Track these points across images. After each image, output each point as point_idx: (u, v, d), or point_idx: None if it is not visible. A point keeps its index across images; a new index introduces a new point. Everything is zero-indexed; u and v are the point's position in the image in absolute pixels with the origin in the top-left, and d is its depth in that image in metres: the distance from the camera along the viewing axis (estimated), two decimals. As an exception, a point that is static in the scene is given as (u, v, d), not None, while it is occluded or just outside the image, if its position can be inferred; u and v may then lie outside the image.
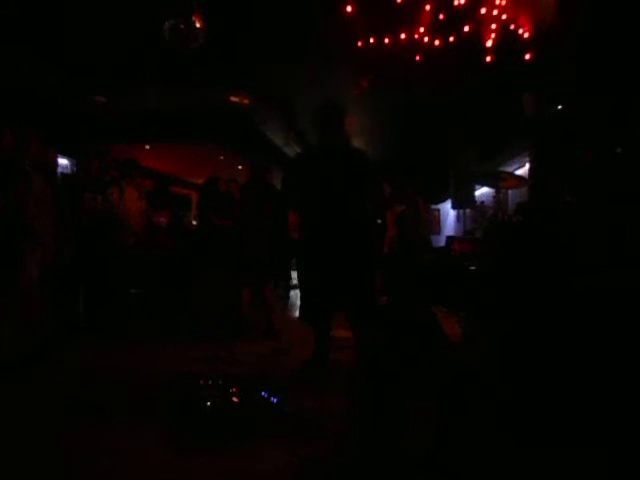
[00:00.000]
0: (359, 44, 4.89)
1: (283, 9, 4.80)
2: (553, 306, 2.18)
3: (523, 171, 6.42)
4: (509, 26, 4.58)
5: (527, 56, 4.57)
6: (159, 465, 1.90)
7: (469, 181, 7.15)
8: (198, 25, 4.41)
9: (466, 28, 4.66)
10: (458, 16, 4.58)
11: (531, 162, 4.80)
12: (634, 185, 2.33)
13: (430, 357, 2.93)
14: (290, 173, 3.44)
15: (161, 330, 4.49)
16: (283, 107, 7.89)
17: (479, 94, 6.03)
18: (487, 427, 2.02)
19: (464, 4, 4.46)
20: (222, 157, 9.41)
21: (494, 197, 4.86)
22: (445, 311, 3.61)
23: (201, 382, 2.51)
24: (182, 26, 4.37)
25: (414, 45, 4.83)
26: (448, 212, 9.62)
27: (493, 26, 4.65)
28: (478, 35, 4.69)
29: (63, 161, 6.91)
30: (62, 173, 6.02)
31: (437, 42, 4.81)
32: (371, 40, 4.86)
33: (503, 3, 4.49)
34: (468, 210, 7.52)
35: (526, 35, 4.56)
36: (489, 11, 4.55)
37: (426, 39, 4.78)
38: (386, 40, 4.85)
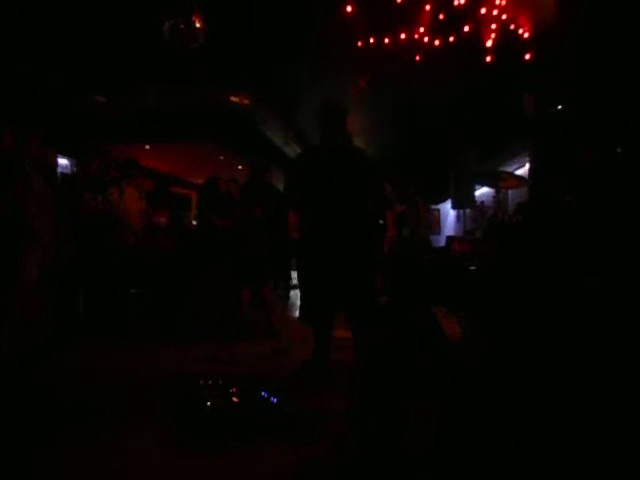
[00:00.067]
0: (359, 44, 4.89)
1: (283, 9, 4.80)
2: (553, 306, 2.18)
3: (523, 171, 6.42)
4: (509, 26, 4.59)
5: (527, 56, 4.57)
6: (159, 465, 1.90)
7: (469, 181, 7.15)
8: (198, 25, 4.41)
9: (466, 28, 4.67)
10: (458, 16, 4.59)
11: (531, 162, 4.81)
12: (634, 185, 2.33)
13: (430, 357, 2.93)
14: (291, 172, 3.43)
15: (161, 330, 4.49)
16: (283, 107, 7.89)
17: (479, 94, 6.03)
18: (487, 427, 2.02)
19: (464, 4, 4.46)
20: (222, 157, 9.41)
21: (494, 197, 4.86)
22: (445, 311, 3.60)
23: (201, 382, 2.51)
24: (182, 26, 4.37)
25: (414, 45, 4.84)
26: (448, 212, 9.62)
27: (493, 26, 4.65)
28: (478, 35, 4.70)
29: (63, 161, 6.91)
30: (62, 173, 6.03)
31: (437, 42, 4.82)
32: (371, 40, 4.86)
33: (503, 3, 4.50)
34: (468, 210, 7.52)
35: (526, 35, 4.56)
36: (489, 11, 4.56)
37: (426, 39, 4.79)
38: (386, 40, 4.86)
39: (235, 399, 2.33)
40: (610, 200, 2.33)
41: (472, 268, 3.64)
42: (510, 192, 5.74)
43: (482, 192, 7.43)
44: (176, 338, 4.22)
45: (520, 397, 2.07)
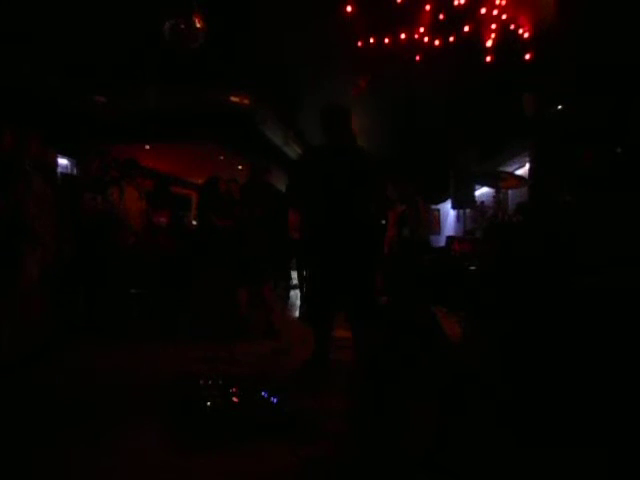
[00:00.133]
0: (359, 44, 4.89)
1: (283, 9, 4.80)
2: (553, 306, 2.18)
3: (523, 171, 6.41)
4: (509, 26, 4.59)
5: (527, 56, 4.57)
6: (159, 465, 1.90)
7: (469, 181, 7.15)
8: (198, 25, 4.41)
9: (466, 28, 4.67)
10: (458, 16, 4.59)
11: (531, 162, 4.80)
12: (634, 185, 2.33)
13: (430, 357, 2.93)
14: (293, 172, 3.43)
15: (161, 330, 4.49)
16: (283, 107, 7.90)
17: (479, 94, 6.04)
18: (487, 427, 2.02)
19: (464, 4, 4.46)
20: (222, 157, 9.41)
21: (494, 197, 4.86)
22: (445, 311, 3.61)
23: (201, 382, 2.51)
24: (182, 26, 4.37)
25: (414, 45, 4.84)
26: (448, 212, 9.61)
27: (493, 26, 4.65)
28: (478, 35, 4.70)
29: (63, 161, 6.92)
30: (62, 173, 6.03)
31: (437, 42, 4.82)
32: (371, 40, 4.86)
33: (503, 3, 4.50)
34: (468, 210, 7.52)
35: (526, 35, 4.56)
36: (489, 11, 4.56)
37: (426, 39, 4.79)
38: (386, 40, 4.86)
39: (235, 399, 2.33)
40: (610, 200, 2.33)
41: (472, 268, 3.64)
42: (510, 192, 5.73)
43: (482, 192, 7.43)
44: (176, 338, 4.22)
45: (520, 397, 2.07)
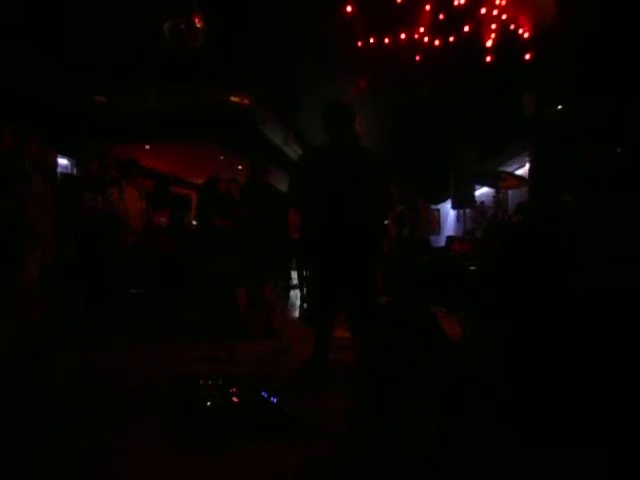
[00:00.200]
0: (359, 44, 4.89)
1: (283, 9, 4.80)
2: (553, 306, 2.18)
3: (523, 171, 6.41)
4: (509, 26, 4.59)
5: (527, 56, 4.57)
6: (159, 465, 1.90)
7: (469, 181, 7.15)
8: (198, 25, 4.41)
9: (466, 28, 4.68)
10: (458, 16, 4.59)
11: (531, 162, 4.80)
12: (634, 185, 2.33)
13: (430, 357, 2.93)
14: (295, 172, 3.40)
15: (161, 330, 4.49)
16: (283, 107, 7.90)
17: (479, 94, 6.04)
18: (487, 427, 2.02)
19: (464, 4, 4.47)
20: (222, 157, 9.42)
21: (494, 197, 4.86)
22: (445, 311, 3.61)
23: (201, 382, 2.51)
24: (182, 26, 4.37)
25: (414, 45, 4.84)
26: (448, 212, 9.62)
27: (493, 26, 4.66)
28: (478, 35, 4.70)
29: (63, 161, 6.91)
30: (62, 173, 6.03)
31: (437, 42, 4.82)
32: (371, 40, 4.86)
33: (503, 3, 4.50)
34: (468, 210, 7.52)
35: (526, 35, 4.57)
36: (489, 11, 4.56)
37: (426, 39, 4.79)
38: (386, 40, 4.86)
39: (235, 399, 2.33)
40: (610, 200, 2.33)
41: (472, 268, 3.64)
42: (510, 192, 5.74)
43: (482, 192, 7.43)
44: (176, 338, 4.22)
45: (520, 397, 2.07)
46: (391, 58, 5.01)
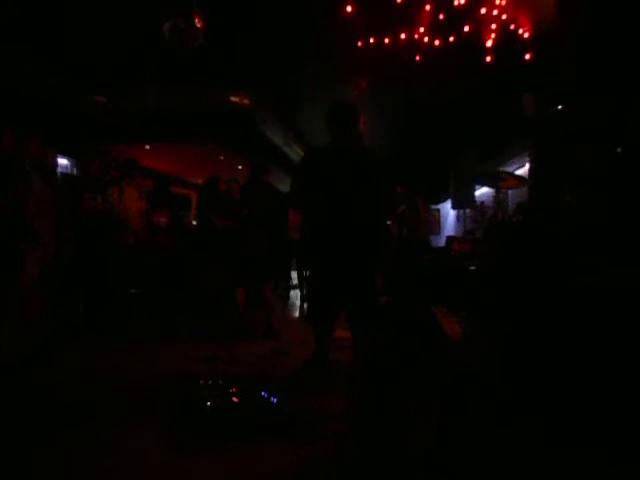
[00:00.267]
0: (359, 44, 4.89)
1: (283, 9, 4.80)
2: (553, 306, 2.18)
3: (523, 171, 6.42)
4: (509, 26, 4.59)
5: (527, 56, 4.57)
6: (159, 465, 1.90)
7: (469, 181, 7.15)
8: (198, 25, 4.41)
9: (466, 28, 4.68)
10: (458, 16, 4.59)
11: (531, 162, 4.80)
12: (634, 185, 2.33)
13: (430, 357, 2.93)
14: (297, 172, 3.39)
15: (161, 330, 4.49)
16: (283, 107, 7.90)
17: (479, 94, 6.04)
18: (487, 427, 2.02)
19: (464, 4, 4.47)
20: (222, 157, 9.42)
21: (494, 197, 4.87)
22: (445, 311, 3.61)
23: (201, 382, 2.51)
24: (182, 26, 4.38)
25: (414, 45, 4.84)
26: (448, 212, 9.62)
27: (493, 26, 4.66)
28: (478, 35, 4.70)
29: (63, 161, 6.92)
30: (62, 173, 6.03)
31: (437, 42, 4.82)
32: (371, 40, 4.86)
33: (503, 3, 4.50)
34: (468, 210, 7.52)
35: (526, 35, 4.57)
36: (489, 11, 4.56)
37: (426, 39, 4.79)
38: (386, 40, 4.86)
39: (235, 399, 2.33)
40: (610, 200, 2.34)
41: (472, 268, 3.64)
42: (510, 192, 5.74)
43: (482, 192, 7.44)
44: (176, 338, 4.22)
45: (520, 397, 2.07)
46: (391, 58, 5.01)
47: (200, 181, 7.00)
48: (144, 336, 4.28)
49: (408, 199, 5.92)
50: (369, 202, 3.06)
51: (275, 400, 2.34)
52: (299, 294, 6.33)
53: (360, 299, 3.09)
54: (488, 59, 4.83)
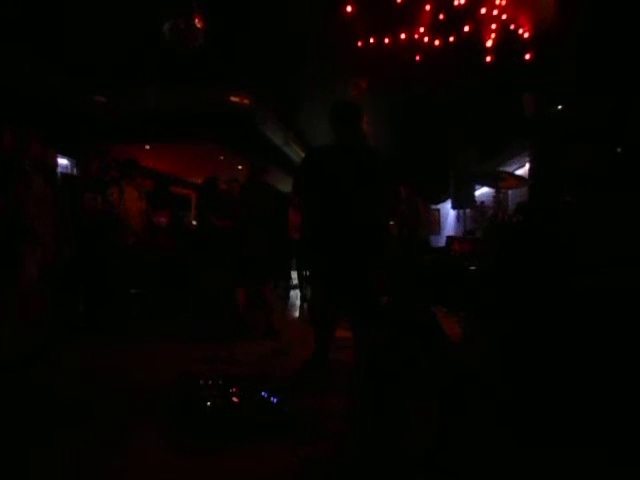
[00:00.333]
0: (359, 44, 4.89)
1: (283, 9, 4.80)
2: (553, 306, 2.18)
3: (523, 171, 6.42)
4: (509, 26, 4.59)
5: (527, 56, 4.57)
6: (159, 465, 1.90)
7: (469, 181, 7.15)
8: (198, 25, 4.42)
9: (466, 28, 4.68)
10: (458, 16, 4.59)
11: (531, 162, 4.80)
12: (634, 185, 2.33)
13: (430, 357, 2.93)
14: (299, 172, 3.38)
15: (161, 330, 4.49)
16: (283, 107, 7.90)
17: (479, 94, 6.04)
18: (487, 427, 2.02)
19: (464, 4, 4.47)
20: (222, 157, 9.42)
21: (494, 197, 4.87)
22: (445, 311, 3.61)
23: (201, 382, 2.51)
24: (182, 26, 4.38)
25: (414, 45, 4.84)
26: (448, 212, 9.62)
27: (493, 26, 4.66)
28: (478, 35, 4.70)
29: (63, 161, 6.92)
30: (62, 173, 6.03)
31: (437, 42, 4.82)
32: (371, 40, 4.86)
33: (503, 3, 4.50)
34: (468, 210, 7.52)
35: (526, 35, 4.57)
36: (489, 11, 4.56)
37: (426, 39, 4.79)
38: (386, 40, 4.86)
39: (235, 399, 2.33)
40: (610, 200, 2.33)
41: (472, 268, 3.64)
42: (510, 192, 5.74)
43: (482, 192, 7.44)
44: (176, 338, 4.22)
45: (520, 397, 2.07)
46: (391, 58, 5.01)
47: (200, 181, 7.00)
48: (144, 336, 4.28)
49: (408, 199, 5.93)
50: (372, 202, 3.04)
51: (275, 400, 2.34)
52: (299, 294, 6.33)
53: (361, 299, 3.09)
54: (488, 59, 4.83)
